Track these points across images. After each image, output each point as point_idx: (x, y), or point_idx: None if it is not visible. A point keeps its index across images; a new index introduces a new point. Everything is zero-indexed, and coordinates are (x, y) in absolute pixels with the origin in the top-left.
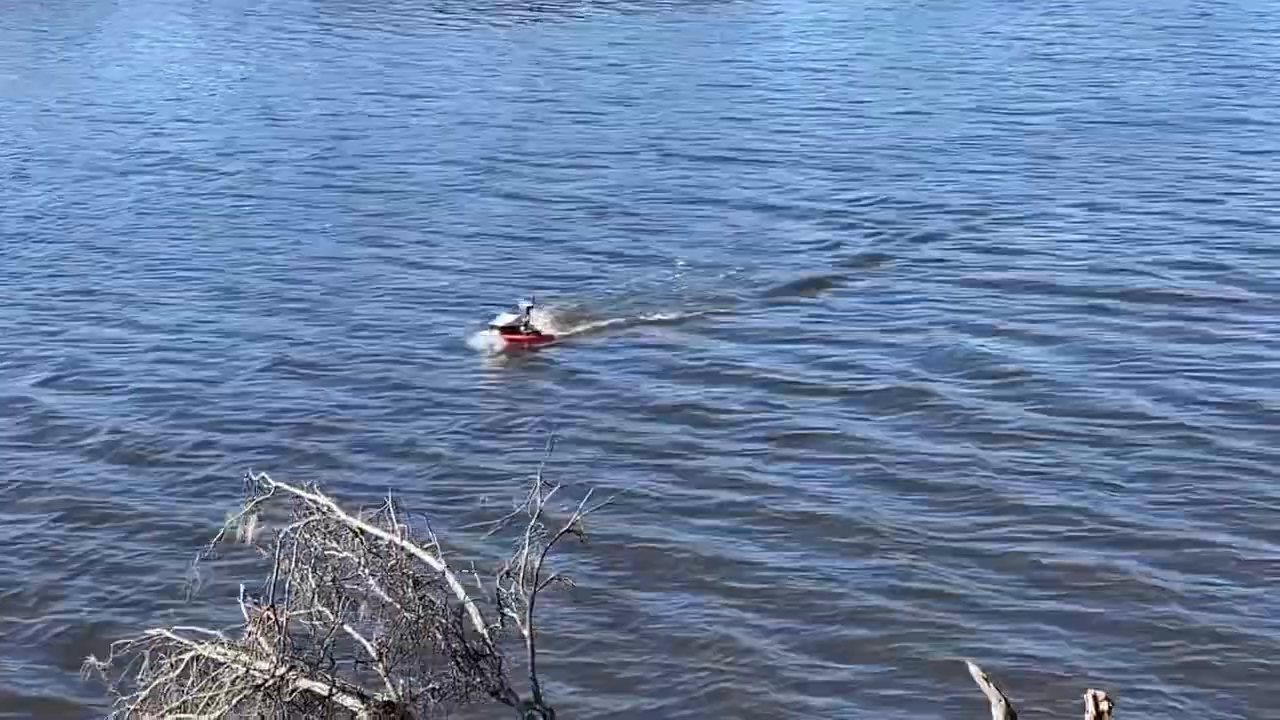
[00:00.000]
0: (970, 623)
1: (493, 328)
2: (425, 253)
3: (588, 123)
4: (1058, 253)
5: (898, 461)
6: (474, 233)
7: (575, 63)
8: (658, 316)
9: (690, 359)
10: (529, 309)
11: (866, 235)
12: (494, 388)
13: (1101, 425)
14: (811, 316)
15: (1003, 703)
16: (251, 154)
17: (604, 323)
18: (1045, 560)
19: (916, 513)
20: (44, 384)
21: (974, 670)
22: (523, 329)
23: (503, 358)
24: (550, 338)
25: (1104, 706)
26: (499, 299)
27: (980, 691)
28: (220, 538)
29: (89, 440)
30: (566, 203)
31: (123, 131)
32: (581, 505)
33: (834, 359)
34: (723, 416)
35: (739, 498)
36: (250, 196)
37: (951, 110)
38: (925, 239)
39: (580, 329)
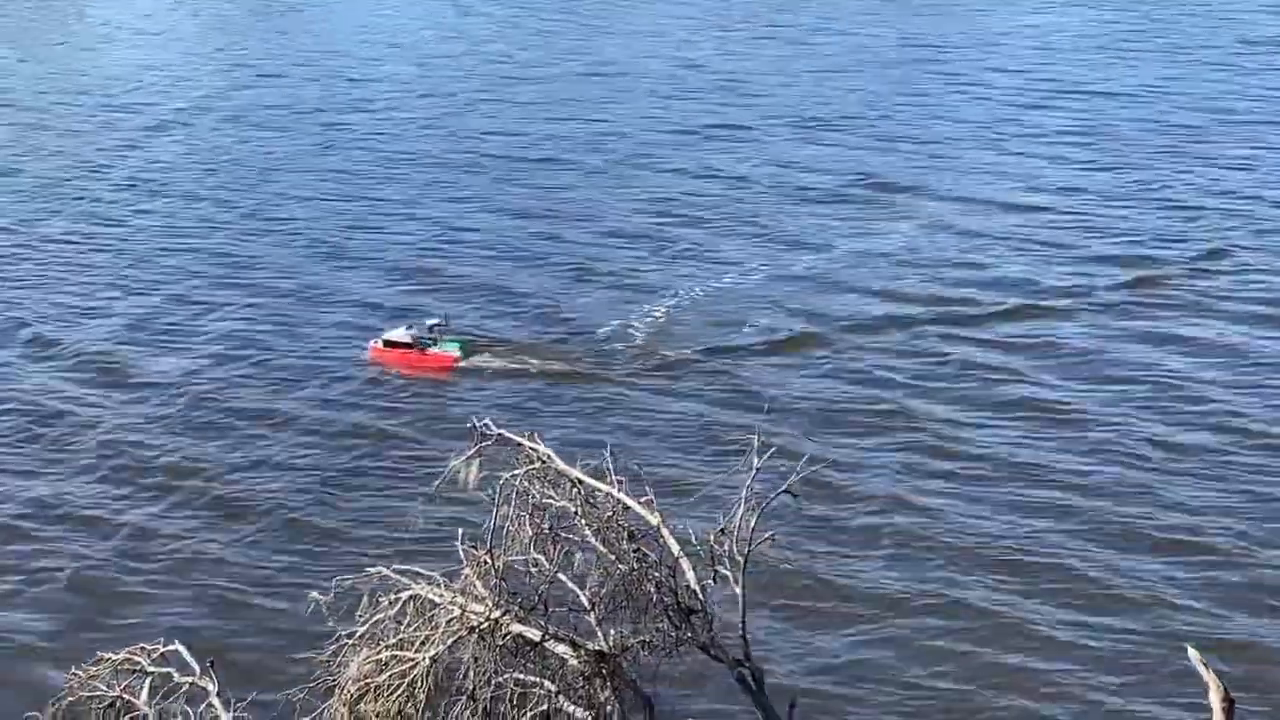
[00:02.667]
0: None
1: (386, 341)
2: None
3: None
4: None
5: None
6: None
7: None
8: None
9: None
10: (434, 327)
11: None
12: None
13: None
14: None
15: (1221, 688)
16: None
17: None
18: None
19: (1151, 500)
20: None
21: (1193, 655)
22: (417, 346)
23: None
24: (452, 361)
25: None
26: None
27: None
28: (443, 481)
29: (318, 380)
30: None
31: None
32: (799, 466)
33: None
34: (954, 393)
35: (963, 472)
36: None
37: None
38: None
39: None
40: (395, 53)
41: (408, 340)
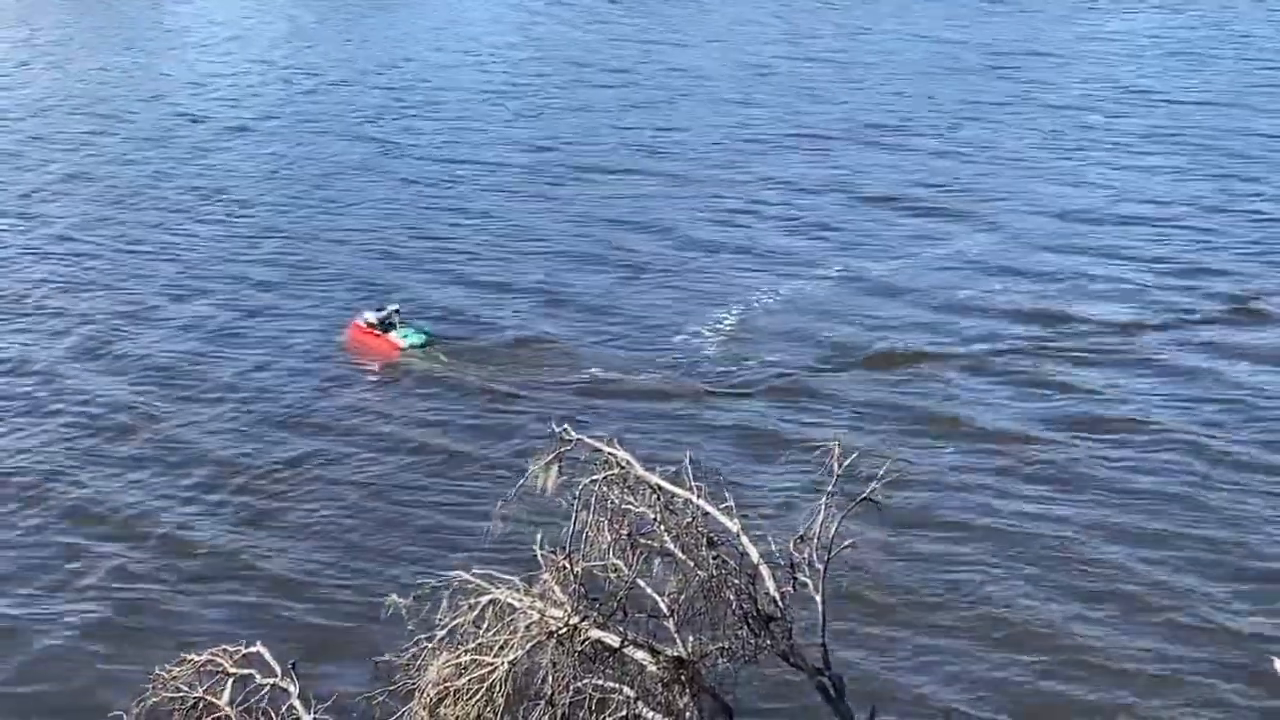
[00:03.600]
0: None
1: (367, 321)
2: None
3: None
4: None
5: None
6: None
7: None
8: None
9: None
10: (395, 311)
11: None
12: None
13: None
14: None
15: None
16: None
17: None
18: None
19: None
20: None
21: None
22: (378, 330)
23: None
24: (394, 350)
25: None
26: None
27: None
28: (522, 486)
29: (405, 382)
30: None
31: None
32: (880, 473)
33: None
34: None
35: (1053, 476)
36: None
37: None
38: None
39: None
40: (466, 58)
41: (374, 321)
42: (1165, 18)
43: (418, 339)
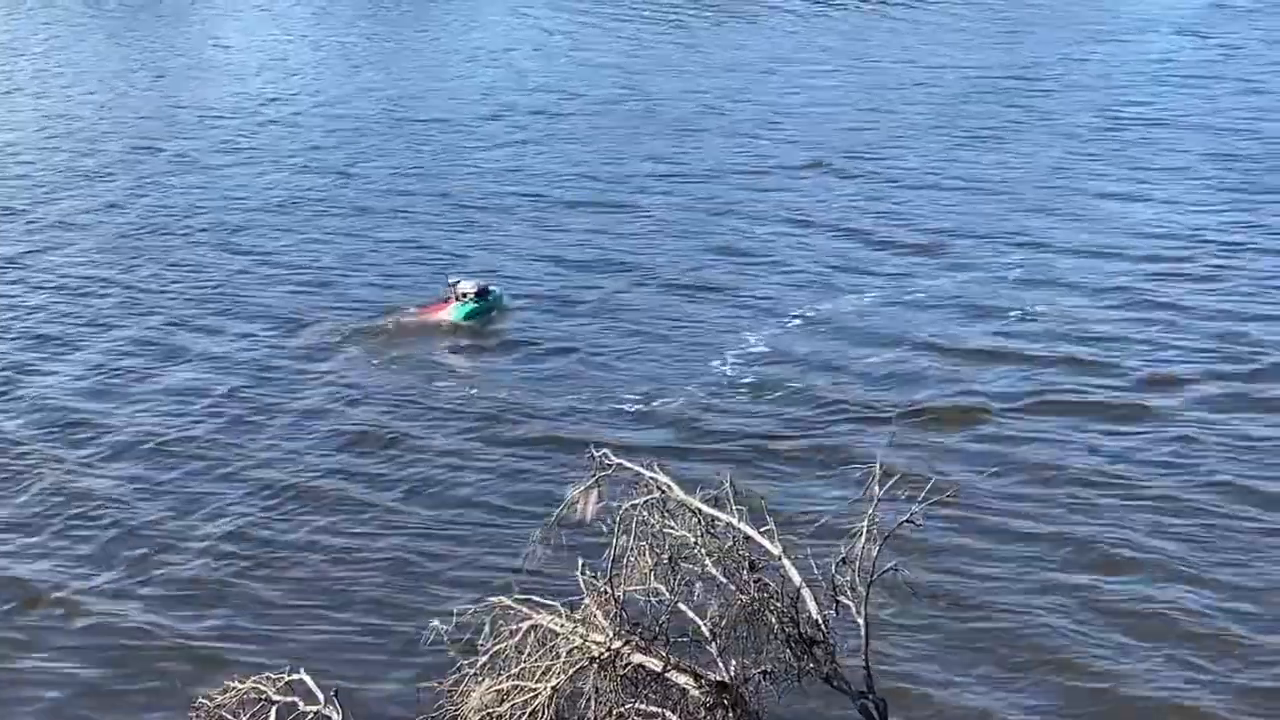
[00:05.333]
0: None
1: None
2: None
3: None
4: None
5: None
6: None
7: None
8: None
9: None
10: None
11: None
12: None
13: None
14: None
15: None
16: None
17: None
18: None
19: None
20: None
21: None
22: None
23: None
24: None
25: None
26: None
27: None
28: (561, 512)
29: (439, 404)
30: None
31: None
32: (921, 497)
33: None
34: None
35: (1103, 499)
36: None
37: None
38: None
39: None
40: (503, 74)
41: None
42: (1175, 40)
43: (468, 310)
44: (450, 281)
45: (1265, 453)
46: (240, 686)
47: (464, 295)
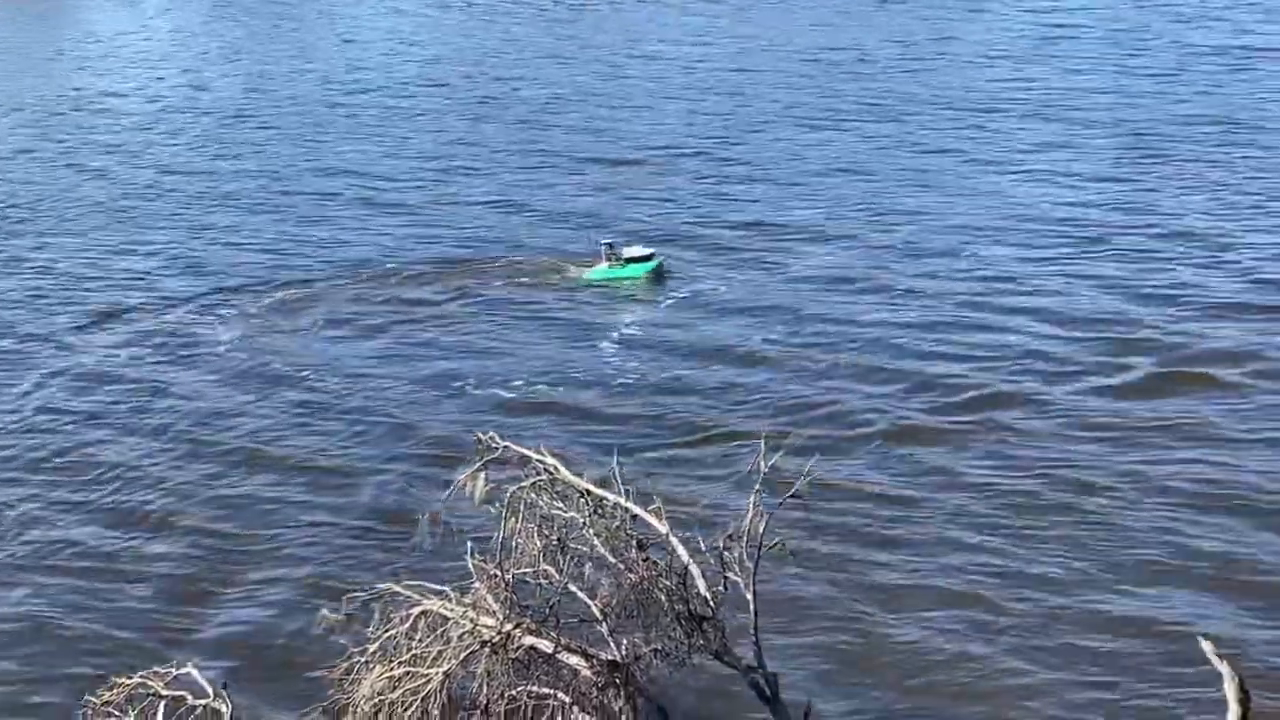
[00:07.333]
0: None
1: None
2: None
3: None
4: None
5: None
6: None
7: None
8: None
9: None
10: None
11: None
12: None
13: None
14: None
15: (1236, 678)
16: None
17: None
18: None
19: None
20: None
21: (1206, 646)
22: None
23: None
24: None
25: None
26: None
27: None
28: (449, 496)
29: (316, 396)
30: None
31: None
32: (805, 472)
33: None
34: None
35: (963, 478)
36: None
37: None
38: None
39: None
40: (337, 67)
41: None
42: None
43: (600, 273)
44: (603, 241)
45: (1139, 441)
46: (128, 682)
47: (619, 259)
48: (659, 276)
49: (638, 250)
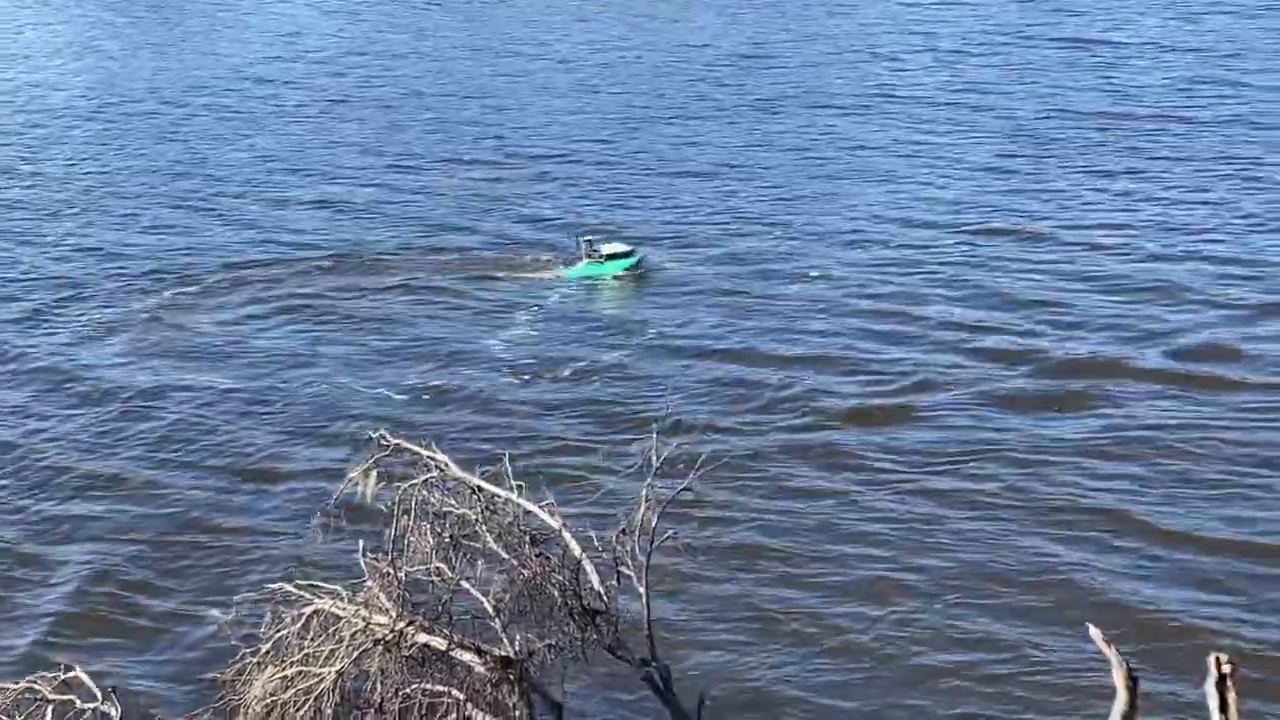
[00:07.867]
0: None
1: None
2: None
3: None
4: None
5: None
6: None
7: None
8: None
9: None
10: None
11: None
12: (606, 340)
13: None
14: None
15: (1124, 665)
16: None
17: None
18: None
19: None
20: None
21: (1095, 633)
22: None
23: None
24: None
25: (1226, 670)
26: None
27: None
28: (340, 493)
29: (204, 394)
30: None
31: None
32: (697, 464)
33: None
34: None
35: (854, 466)
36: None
37: None
38: None
39: None
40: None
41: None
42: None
43: (580, 270)
44: (583, 238)
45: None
46: (14, 688)
47: (600, 256)
48: (639, 270)
49: (618, 247)
